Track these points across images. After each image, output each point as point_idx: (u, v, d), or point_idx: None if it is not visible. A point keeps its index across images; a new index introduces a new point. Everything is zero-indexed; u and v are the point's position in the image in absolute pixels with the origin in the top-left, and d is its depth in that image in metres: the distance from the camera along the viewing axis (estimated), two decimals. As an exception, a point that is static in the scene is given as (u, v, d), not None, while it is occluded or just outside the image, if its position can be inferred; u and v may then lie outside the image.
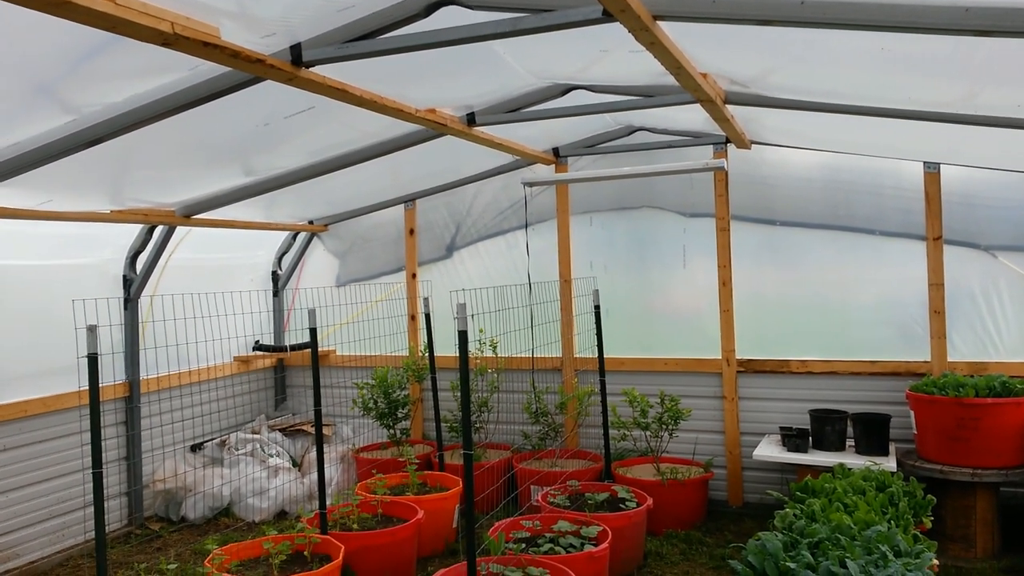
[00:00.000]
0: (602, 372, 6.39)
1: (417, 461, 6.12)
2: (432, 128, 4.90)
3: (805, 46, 3.45)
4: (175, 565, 4.46)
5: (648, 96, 4.81)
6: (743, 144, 5.97)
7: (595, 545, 4.69)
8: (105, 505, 4.07)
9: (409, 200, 7.61)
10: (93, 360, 3.96)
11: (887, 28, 2.69)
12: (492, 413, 6.84)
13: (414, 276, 7.66)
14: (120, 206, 5.58)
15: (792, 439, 5.66)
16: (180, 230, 6.42)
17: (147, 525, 6.43)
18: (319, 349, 5.29)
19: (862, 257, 6.10)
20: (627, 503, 5.42)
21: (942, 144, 5.27)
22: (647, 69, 3.96)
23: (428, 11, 3.25)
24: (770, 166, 6.34)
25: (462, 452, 3.91)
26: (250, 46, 3.16)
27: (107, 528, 5.33)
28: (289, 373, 8.22)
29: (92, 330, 3.97)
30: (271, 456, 6.86)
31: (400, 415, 6.98)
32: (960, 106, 4.04)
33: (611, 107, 4.97)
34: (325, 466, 5.35)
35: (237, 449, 6.84)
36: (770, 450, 5.76)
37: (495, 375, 6.72)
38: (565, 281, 6.96)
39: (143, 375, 6.36)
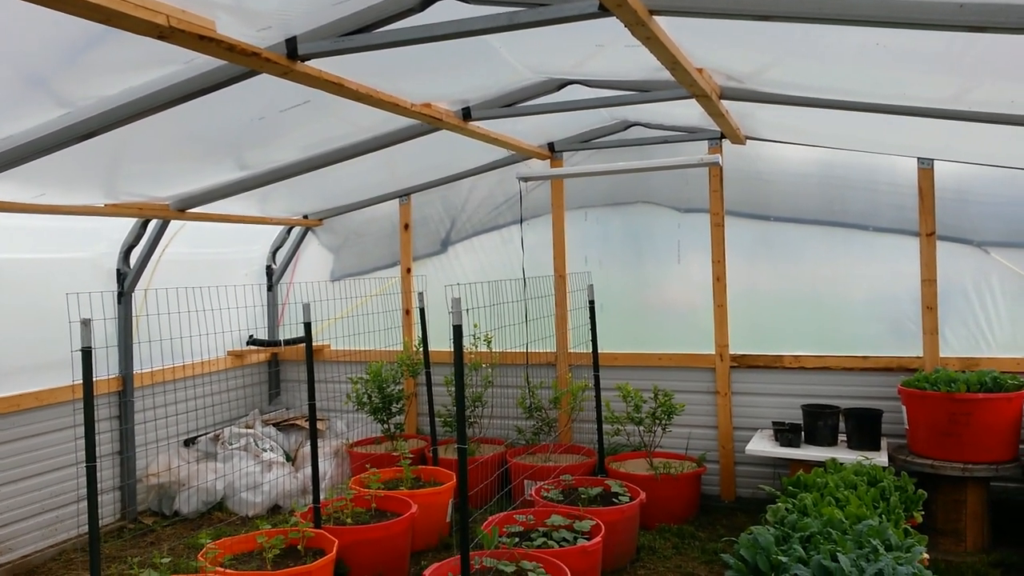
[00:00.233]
0: (596, 367, 6.40)
1: (411, 456, 6.12)
2: (428, 123, 4.90)
3: (801, 42, 3.46)
4: (168, 559, 4.46)
5: (644, 91, 4.81)
6: (738, 139, 5.98)
7: (588, 539, 4.71)
8: (98, 499, 4.06)
9: (404, 195, 7.60)
10: (87, 354, 3.95)
11: (883, 24, 2.70)
12: (486, 408, 6.85)
13: (409, 271, 7.65)
14: (114, 200, 5.56)
15: (784, 434, 5.68)
16: (174, 224, 6.40)
17: (140, 519, 6.43)
18: (313, 344, 5.29)
19: (855, 253, 6.12)
20: (620, 498, 5.44)
21: (936, 140, 5.29)
22: (643, 64, 3.96)
23: (424, 5, 3.24)
24: (765, 161, 6.35)
25: (456, 447, 3.92)
26: (246, 39, 3.15)
27: (100, 522, 5.32)
28: (283, 368, 8.22)
29: (86, 324, 3.96)
30: (265, 450, 6.85)
31: (394, 410, 6.99)
32: (954, 102, 4.06)
33: (607, 102, 4.97)
34: (319, 461, 5.36)
35: (231, 444, 6.83)
36: (762, 445, 5.78)
37: (489, 370, 6.73)
38: (560, 276, 6.97)
39: (137, 369, 6.34)
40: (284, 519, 5.97)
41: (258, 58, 3.24)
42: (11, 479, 5.51)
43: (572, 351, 6.92)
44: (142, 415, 6.40)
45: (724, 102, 4.83)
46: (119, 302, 6.29)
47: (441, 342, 6.76)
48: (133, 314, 6.37)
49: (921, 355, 5.87)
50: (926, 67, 3.60)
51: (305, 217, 7.84)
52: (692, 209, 6.59)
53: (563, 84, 4.94)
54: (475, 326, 6.25)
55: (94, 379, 4.01)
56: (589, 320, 6.43)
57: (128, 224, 6.16)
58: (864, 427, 5.56)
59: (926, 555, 3.57)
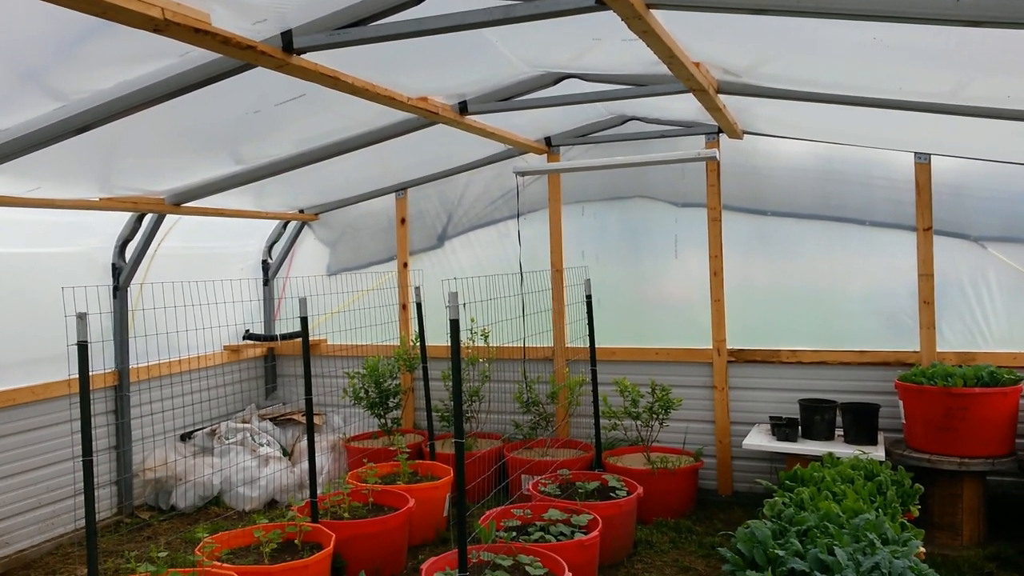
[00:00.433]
0: (593, 362, 6.40)
1: (408, 450, 6.12)
2: (424, 116, 4.88)
3: (798, 36, 3.45)
4: (165, 553, 4.45)
5: (640, 85, 4.81)
6: (735, 134, 5.98)
7: (585, 533, 4.71)
8: (95, 494, 4.05)
9: (400, 189, 7.58)
10: (83, 348, 3.93)
11: (880, 18, 2.70)
12: (483, 402, 6.85)
13: (405, 265, 7.64)
14: (109, 194, 5.54)
15: (782, 428, 5.68)
16: (169, 218, 6.38)
17: (137, 514, 6.42)
18: (310, 338, 5.28)
19: (852, 247, 6.13)
20: (617, 492, 5.45)
21: (933, 135, 5.29)
22: (640, 58, 3.96)
23: (419, -2, 3.24)
24: (762, 156, 6.35)
25: (453, 441, 3.92)
26: (241, 32, 3.14)
27: (97, 517, 5.31)
28: (279, 362, 8.21)
29: (82, 318, 3.95)
30: (261, 445, 6.85)
31: (391, 404, 6.99)
32: (951, 97, 4.06)
33: (603, 96, 4.96)
34: (316, 455, 5.36)
35: (227, 438, 6.83)
36: (760, 439, 5.79)
37: (486, 364, 6.73)
38: (557, 271, 6.97)
39: (133, 364, 6.32)
40: (281, 513, 5.96)
41: (253, 51, 3.23)
42: (7, 474, 5.50)
43: (569, 346, 6.92)
44: (138, 409, 6.39)
45: (721, 96, 4.82)
46: (114, 296, 6.28)
47: (438, 337, 6.75)
48: (129, 308, 6.35)
49: (918, 349, 5.87)
50: (923, 62, 3.59)
51: (301, 211, 7.82)
52: (689, 204, 6.58)
53: (560, 78, 4.92)
54: (472, 321, 6.25)
55: (90, 373, 4.00)
56: (586, 315, 6.43)
57: (123, 218, 6.15)
58: (861, 421, 5.57)
59: (922, 549, 3.57)
